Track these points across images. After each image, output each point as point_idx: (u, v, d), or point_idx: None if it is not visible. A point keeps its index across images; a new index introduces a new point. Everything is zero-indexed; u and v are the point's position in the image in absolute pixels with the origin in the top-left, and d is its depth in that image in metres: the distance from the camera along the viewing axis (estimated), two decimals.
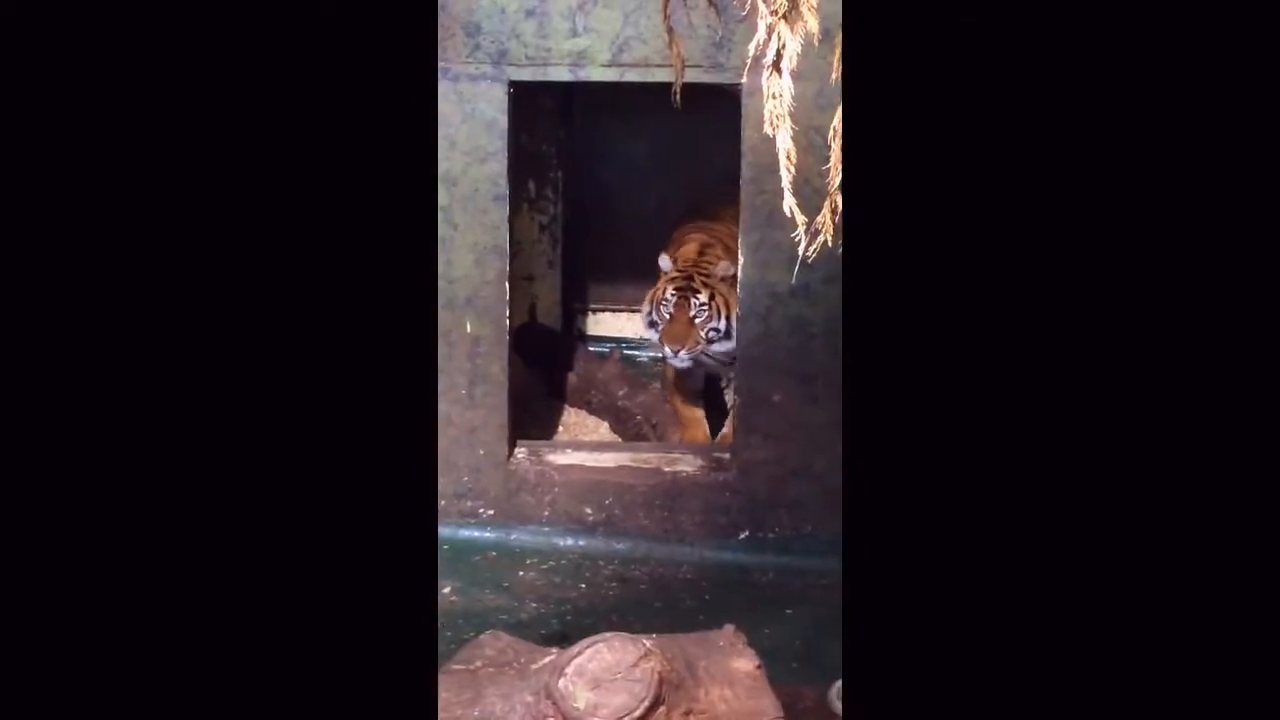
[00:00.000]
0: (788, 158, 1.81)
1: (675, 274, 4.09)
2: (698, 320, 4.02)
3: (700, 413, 4.24)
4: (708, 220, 4.33)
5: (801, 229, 1.88)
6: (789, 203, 1.85)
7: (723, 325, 4.00)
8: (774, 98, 1.77)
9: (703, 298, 4.02)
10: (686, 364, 4.05)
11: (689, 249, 4.20)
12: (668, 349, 4.02)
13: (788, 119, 1.79)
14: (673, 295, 4.05)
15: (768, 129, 1.82)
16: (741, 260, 3.52)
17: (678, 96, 2.38)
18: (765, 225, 3.44)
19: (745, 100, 3.38)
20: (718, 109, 3.59)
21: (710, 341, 4.01)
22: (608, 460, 3.77)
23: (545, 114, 4.75)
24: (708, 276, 4.06)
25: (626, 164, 5.11)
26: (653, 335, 4.18)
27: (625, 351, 4.62)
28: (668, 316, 4.06)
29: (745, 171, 3.46)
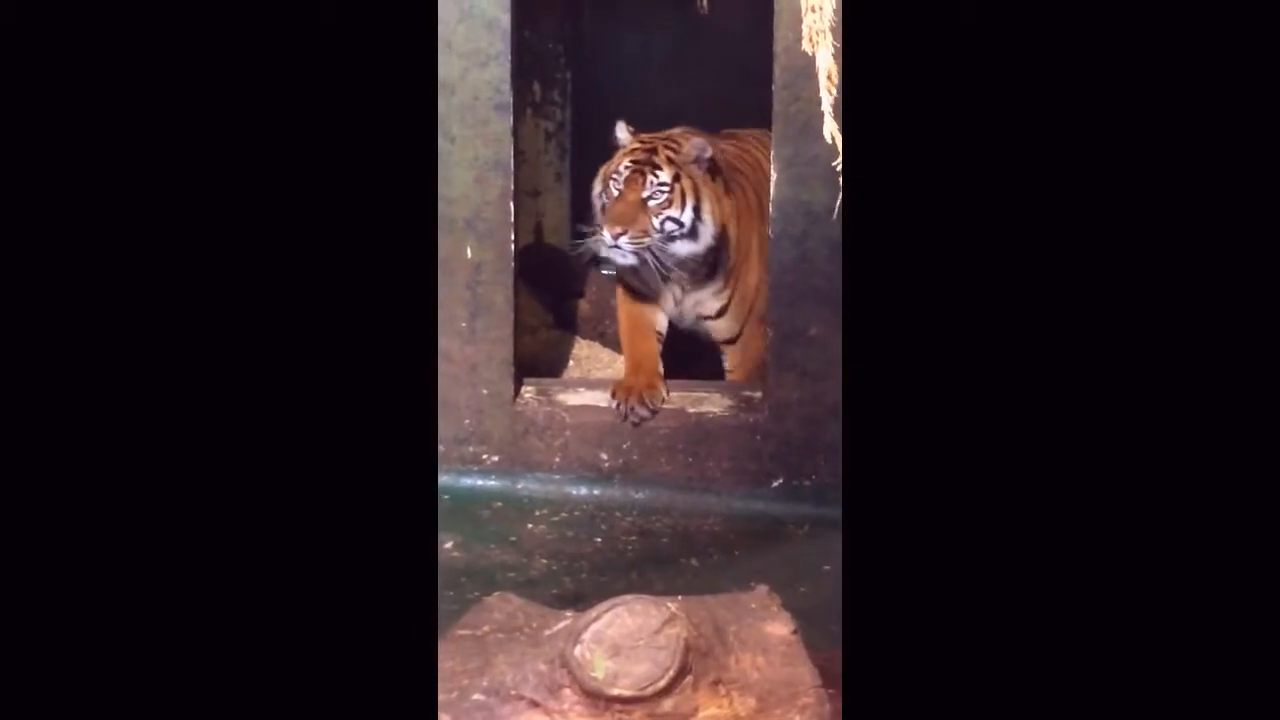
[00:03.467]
0: (828, 78, 1.79)
1: (635, 145, 3.73)
2: (652, 203, 3.63)
3: (653, 349, 3.81)
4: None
5: (841, 156, 1.87)
6: (829, 128, 1.84)
7: (686, 218, 3.65)
8: (813, 10, 1.75)
9: (664, 176, 3.64)
10: (628, 259, 3.65)
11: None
12: (606, 233, 3.60)
13: (828, 35, 1.76)
14: (626, 169, 3.67)
15: (806, 46, 1.80)
16: (774, 176, 3.47)
17: None
18: (800, 137, 3.37)
19: None
20: (746, 2, 3.53)
21: (667, 236, 3.64)
22: None
23: (551, 8, 4.71)
24: (675, 153, 3.69)
25: (643, 64, 5.06)
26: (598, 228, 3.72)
27: None
28: (615, 194, 3.67)
29: (779, 77, 3.38)
